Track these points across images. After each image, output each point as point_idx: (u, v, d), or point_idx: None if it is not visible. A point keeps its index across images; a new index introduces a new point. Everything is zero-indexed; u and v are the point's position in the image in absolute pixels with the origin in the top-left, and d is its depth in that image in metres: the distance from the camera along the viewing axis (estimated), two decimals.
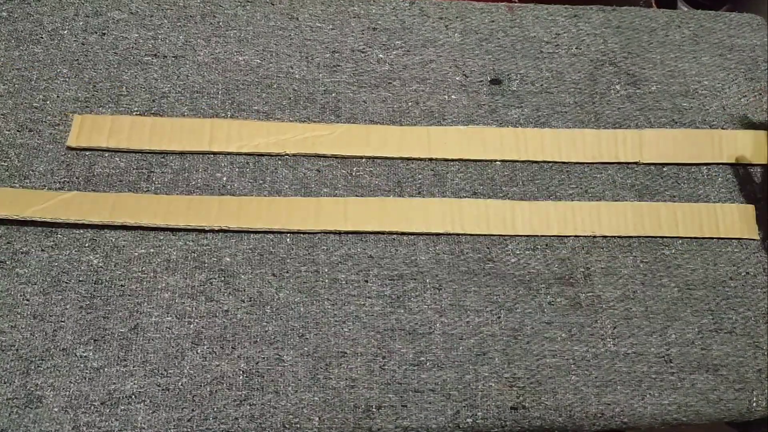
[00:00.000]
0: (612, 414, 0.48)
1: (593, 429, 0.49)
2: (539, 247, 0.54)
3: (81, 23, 0.58)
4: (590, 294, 0.52)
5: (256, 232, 0.51)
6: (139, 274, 0.49)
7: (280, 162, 0.55)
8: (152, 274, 0.49)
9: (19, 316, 0.47)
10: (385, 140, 0.56)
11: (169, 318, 0.48)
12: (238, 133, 0.54)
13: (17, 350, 0.46)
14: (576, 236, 0.54)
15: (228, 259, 0.50)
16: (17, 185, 0.51)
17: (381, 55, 0.61)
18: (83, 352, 0.46)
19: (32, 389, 0.45)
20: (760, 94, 0.63)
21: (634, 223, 0.55)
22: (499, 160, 0.57)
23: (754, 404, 0.50)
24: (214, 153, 0.54)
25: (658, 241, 0.55)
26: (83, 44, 0.57)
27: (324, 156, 0.55)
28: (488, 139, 0.57)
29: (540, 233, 0.54)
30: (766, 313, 0.53)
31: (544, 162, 0.57)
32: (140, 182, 0.52)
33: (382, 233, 0.53)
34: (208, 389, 0.46)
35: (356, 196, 0.54)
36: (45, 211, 0.49)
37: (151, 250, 0.50)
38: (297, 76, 0.58)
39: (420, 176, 0.55)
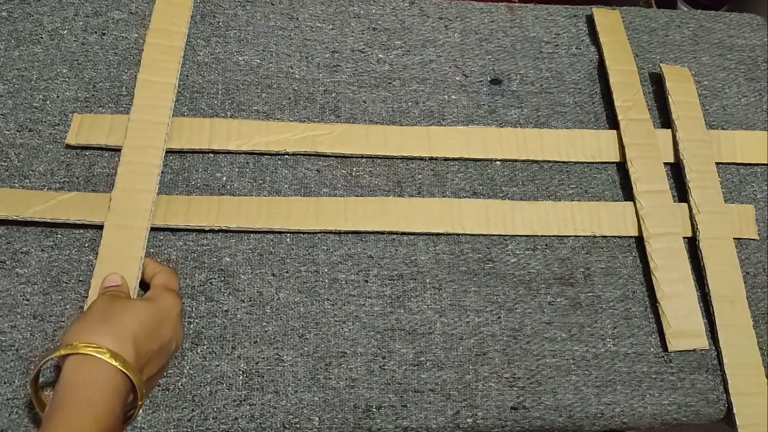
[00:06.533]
0: (612, 414, 0.48)
1: (593, 429, 0.49)
2: (539, 247, 0.54)
3: (81, 23, 0.58)
4: (590, 294, 0.52)
5: (256, 232, 0.51)
6: None
7: (279, 162, 0.54)
8: None
9: (19, 316, 0.47)
10: (385, 140, 0.56)
11: None
12: (238, 132, 0.54)
13: (17, 350, 0.46)
14: (576, 236, 0.54)
15: (228, 259, 0.50)
16: (17, 185, 0.51)
17: (381, 55, 0.61)
18: None
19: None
20: (760, 94, 0.63)
21: (634, 223, 0.55)
22: (499, 160, 0.57)
23: None
24: (214, 151, 0.54)
25: None
26: (83, 44, 0.57)
27: (324, 155, 0.55)
28: (488, 139, 0.57)
29: (540, 233, 0.54)
30: (766, 313, 0.53)
31: (544, 162, 0.57)
32: None
33: (382, 233, 0.53)
34: (208, 389, 0.46)
35: (356, 196, 0.54)
36: (45, 211, 0.49)
37: (151, 250, 0.50)
38: (297, 76, 0.58)
39: (420, 176, 0.55)
